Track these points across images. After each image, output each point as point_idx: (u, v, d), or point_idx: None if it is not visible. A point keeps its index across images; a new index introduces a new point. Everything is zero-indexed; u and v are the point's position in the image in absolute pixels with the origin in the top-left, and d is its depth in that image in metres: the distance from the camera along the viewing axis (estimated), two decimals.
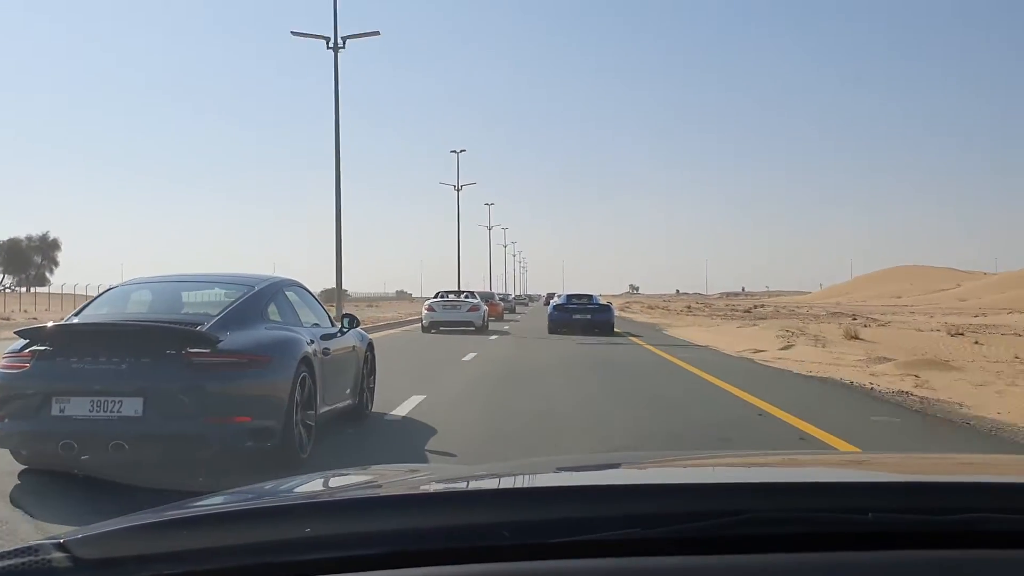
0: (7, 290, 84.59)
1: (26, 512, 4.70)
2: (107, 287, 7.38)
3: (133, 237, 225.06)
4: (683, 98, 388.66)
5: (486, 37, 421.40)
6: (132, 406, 5.40)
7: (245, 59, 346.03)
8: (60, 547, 1.15)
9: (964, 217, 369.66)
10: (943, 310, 67.08)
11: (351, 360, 7.98)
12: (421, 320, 29.62)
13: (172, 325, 5.86)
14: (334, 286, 29.51)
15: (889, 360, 15.22)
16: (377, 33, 28.37)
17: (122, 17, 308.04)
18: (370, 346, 8.81)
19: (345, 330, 8.05)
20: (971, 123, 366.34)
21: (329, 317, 8.11)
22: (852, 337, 22.16)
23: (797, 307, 77.58)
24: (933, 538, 1.19)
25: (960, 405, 9.86)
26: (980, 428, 8.30)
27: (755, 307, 70.07)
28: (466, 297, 30.36)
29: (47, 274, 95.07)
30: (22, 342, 5.70)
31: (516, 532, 1.18)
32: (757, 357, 17.44)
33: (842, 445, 7.07)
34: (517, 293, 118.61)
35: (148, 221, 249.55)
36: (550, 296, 58.19)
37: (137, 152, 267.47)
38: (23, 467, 5.72)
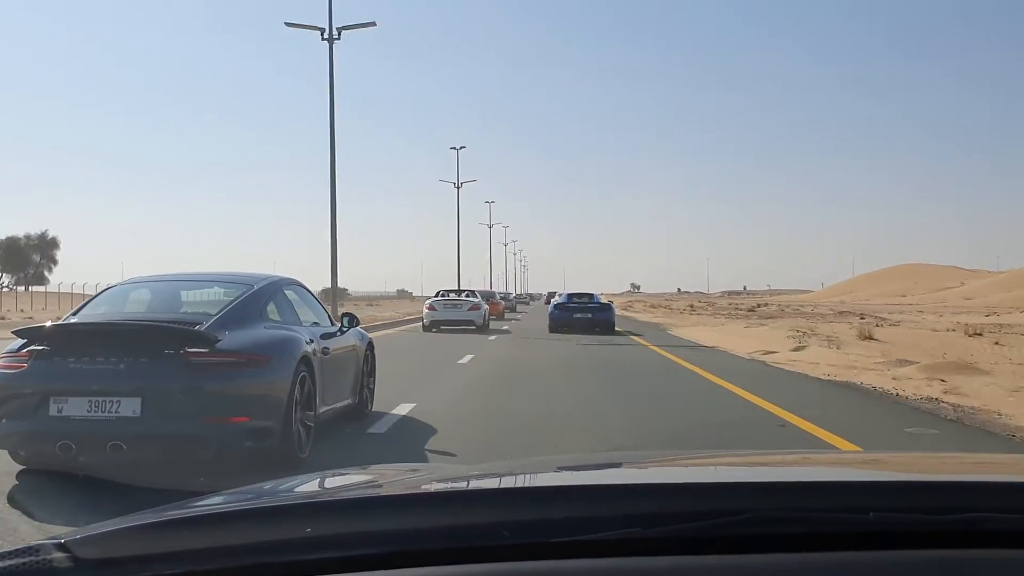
0: (5, 289, 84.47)
1: (26, 512, 4.70)
2: (105, 286, 7.35)
3: (133, 237, 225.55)
4: (683, 98, 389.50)
5: (486, 37, 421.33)
6: (130, 406, 5.38)
7: (245, 59, 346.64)
8: (61, 547, 1.15)
9: (964, 216, 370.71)
10: (951, 309, 65.88)
11: (351, 359, 7.96)
12: (421, 319, 29.64)
13: (170, 325, 5.85)
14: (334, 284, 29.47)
15: (910, 363, 14.57)
16: (373, 24, 28.20)
17: (122, 17, 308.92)
18: (370, 345, 8.80)
19: (345, 329, 8.03)
20: (971, 123, 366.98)
21: (329, 316, 8.10)
22: (866, 338, 21.44)
23: (801, 306, 76.48)
24: (934, 538, 1.19)
25: (998, 414, 9.12)
26: None
27: (759, 306, 69.74)
28: (467, 296, 30.30)
29: (46, 273, 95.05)
30: (20, 342, 5.68)
31: (516, 532, 1.18)
32: (769, 359, 16.82)
33: None
34: (518, 292, 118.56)
35: (148, 221, 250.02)
36: (551, 295, 58.11)
37: (137, 152, 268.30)
38: (22, 467, 5.70)
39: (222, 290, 6.92)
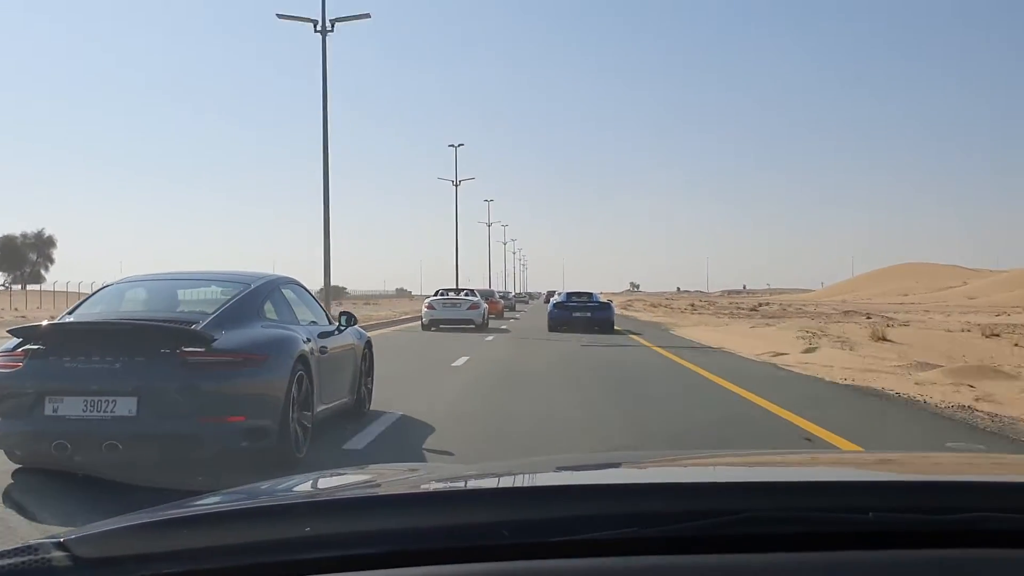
0: (1, 287, 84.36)
1: (25, 512, 4.69)
2: (101, 285, 7.33)
3: (132, 236, 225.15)
4: (683, 98, 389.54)
5: (486, 36, 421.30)
6: (126, 406, 5.36)
7: (245, 59, 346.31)
8: (60, 546, 1.14)
9: (964, 215, 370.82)
10: (957, 308, 65.01)
11: (348, 358, 7.95)
12: (421, 318, 29.63)
13: (166, 324, 5.82)
14: (332, 283, 29.40)
15: (930, 366, 13.97)
16: (367, 16, 28.05)
17: (122, 17, 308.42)
18: (368, 344, 8.79)
19: (342, 328, 8.02)
20: (971, 122, 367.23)
21: (327, 315, 8.08)
22: (879, 339, 20.66)
23: (803, 305, 75.74)
24: (933, 537, 1.19)
25: None
26: None
27: (760, 305, 69.48)
28: (466, 295, 30.29)
29: (42, 271, 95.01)
30: (15, 341, 5.67)
31: (516, 531, 1.18)
32: (779, 361, 16.08)
33: None
34: (517, 291, 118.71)
35: (147, 220, 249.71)
36: (550, 294, 58.22)
37: (136, 151, 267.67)
38: (18, 467, 5.67)
39: (219, 289, 6.88)
